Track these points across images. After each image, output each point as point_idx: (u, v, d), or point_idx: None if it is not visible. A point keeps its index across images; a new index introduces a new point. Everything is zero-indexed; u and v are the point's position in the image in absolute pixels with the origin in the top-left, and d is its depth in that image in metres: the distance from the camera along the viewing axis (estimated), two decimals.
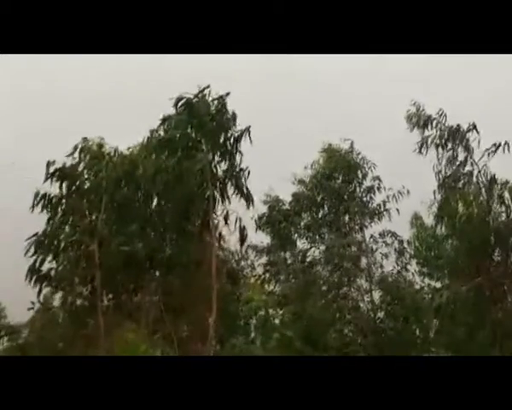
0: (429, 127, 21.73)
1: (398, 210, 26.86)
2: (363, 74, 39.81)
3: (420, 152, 21.69)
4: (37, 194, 20.87)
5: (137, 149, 21.95)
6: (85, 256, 20.51)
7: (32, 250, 20.40)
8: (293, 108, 40.55)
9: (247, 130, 21.58)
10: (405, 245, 27.44)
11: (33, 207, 20.78)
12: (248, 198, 22.02)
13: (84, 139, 21.87)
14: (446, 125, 21.55)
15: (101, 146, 21.90)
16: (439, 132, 21.57)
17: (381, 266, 26.99)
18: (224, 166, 22.07)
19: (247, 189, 21.95)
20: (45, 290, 21.07)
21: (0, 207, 23.86)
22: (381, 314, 26.50)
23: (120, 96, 34.13)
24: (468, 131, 21.27)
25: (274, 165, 30.77)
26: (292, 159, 31.22)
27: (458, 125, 21.38)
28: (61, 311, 21.32)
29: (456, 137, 21.26)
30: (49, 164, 20.98)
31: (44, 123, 34.50)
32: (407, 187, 26.37)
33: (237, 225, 22.01)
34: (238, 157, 21.91)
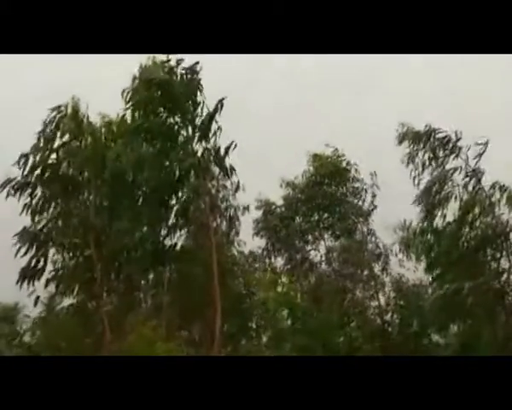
0: (419, 143, 21.67)
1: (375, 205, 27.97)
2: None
3: (408, 165, 21.69)
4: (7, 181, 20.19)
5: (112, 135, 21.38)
6: (84, 259, 20.37)
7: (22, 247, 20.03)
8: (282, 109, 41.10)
9: (221, 103, 20.67)
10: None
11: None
12: (228, 173, 21.78)
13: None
14: (436, 137, 21.44)
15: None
16: (429, 146, 21.49)
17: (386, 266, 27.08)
18: (204, 144, 21.47)
19: (230, 167, 21.69)
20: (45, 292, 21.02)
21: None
22: (388, 318, 26.51)
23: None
24: (458, 140, 21.15)
25: (265, 167, 31.27)
26: (282, 162, 32.00)
27: (448, 136, 21.27)
28: (63, 313, 21.18)
29: (446, 147, 21.20)
30: (21, 156, 20.29)
31: None
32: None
33: (226, 214, 22.36)
34: (218, 133, 21.24)
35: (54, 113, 20.76)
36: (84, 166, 20.86)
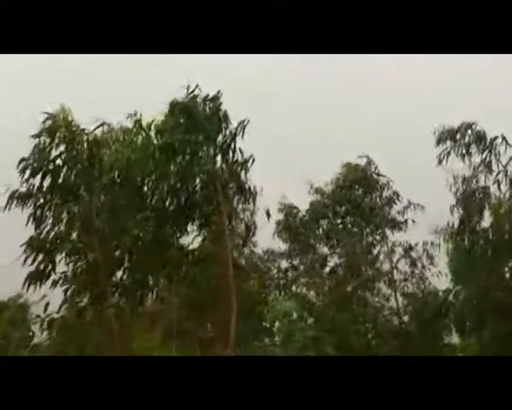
0: (455, 139, 21.61)
1: (413, 221, 27.49)
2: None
3: (440, 163, 21.60)
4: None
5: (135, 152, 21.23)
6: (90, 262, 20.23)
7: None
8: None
9: (243, 124, 21.43)
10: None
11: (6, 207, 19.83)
12: (250, 192, 22.05)
13: None
14: (471, 134, 21.40)
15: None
16: (463, 142, 21.38)
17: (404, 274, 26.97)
18: (225, 164, 22.05)
19: (249, 187, 22.06)
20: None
21: None
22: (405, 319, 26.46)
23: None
24: (495, 138, 21.03)
25: (288, 170, 31.11)
26: (308, 165, 31.61)
27: (484, 133, 21.19)
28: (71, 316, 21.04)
29: (480, 144, 21.08)
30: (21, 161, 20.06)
31: None
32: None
33: (243, 221, 22.34)
34: (238, 153, 21.85)
35: (47, 123, 20.65)
36: (84, 173, 20.78)
